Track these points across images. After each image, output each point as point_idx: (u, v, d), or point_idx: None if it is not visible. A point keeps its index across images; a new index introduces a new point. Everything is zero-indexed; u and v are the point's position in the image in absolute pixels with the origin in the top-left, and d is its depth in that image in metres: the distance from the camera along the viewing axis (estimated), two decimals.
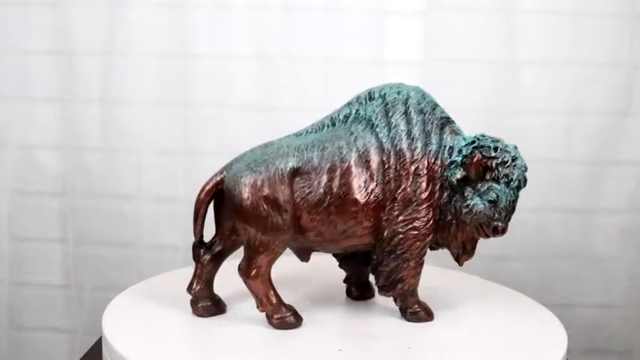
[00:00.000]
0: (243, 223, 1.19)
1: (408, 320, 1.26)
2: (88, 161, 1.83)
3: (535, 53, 1.75)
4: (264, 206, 1.17)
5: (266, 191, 1.17)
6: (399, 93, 1.25)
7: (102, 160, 1.83)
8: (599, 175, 1.78)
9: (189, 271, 1.53)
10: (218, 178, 1.24)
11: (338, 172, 1.19)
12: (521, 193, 1.76)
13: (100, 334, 1.26)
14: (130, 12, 1.76)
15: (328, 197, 1.18)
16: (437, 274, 1.42)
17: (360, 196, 1.18)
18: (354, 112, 1.25)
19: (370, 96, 1.26)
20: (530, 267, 1.82)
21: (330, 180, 1.18)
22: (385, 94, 1.25)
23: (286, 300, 1.23)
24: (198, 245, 1.27)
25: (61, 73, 1.81)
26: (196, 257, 1.26)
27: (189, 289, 1.26)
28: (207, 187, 1.24)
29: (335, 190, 1.18)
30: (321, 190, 1.18)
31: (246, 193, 1.18)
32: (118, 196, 1.84)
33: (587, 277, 1.83)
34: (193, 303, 1.27)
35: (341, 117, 1.26)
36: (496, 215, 1.19)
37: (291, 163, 1.18)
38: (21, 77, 1.82)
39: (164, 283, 1.43)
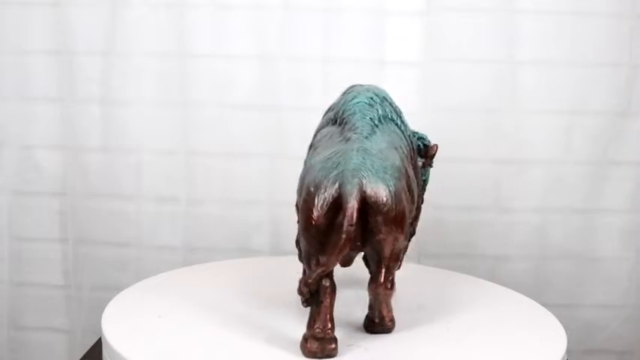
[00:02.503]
0: (399, 234, 1.10)
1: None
2: (88, 161, 1.83)
3: (535, 53, 1.74)
4: (410, 213, 1.15)
5: (408, 197, 1.14)
6: (383, 93, 1.31)
7: (102, 160, 1.83)
8: (599, 175, 1.78)
9: (189, 271, 1.54)
10: (358, 195, 1.07)
11: (412, 170, 1.23)
12: (522, 192, 1.78)
13: (99, 334, 1.26)
14: (130, 12, 1.76)
15: (415, 195, 1.22)
16: (436, 275, 1.42)
17: (418, 189, 1.26)
18: (382, 112, 1.26)
19: (379, 98, 1.28)
20: (530, 267, 1.82)
21: (413, 178, 1.22)
22: (383, 95, 1.29)
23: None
24: (326, 277, 1.09)
25: (61, 73, 1.81)
26: (321, 291, 1.09)
27: (323, 330, 1.08)
28: (355, 208, 1.05)
29: (416, 186, 1.24)
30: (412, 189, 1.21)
31: (403, 202, 1.10)
32: (118, 196, 1.84)
33: (587, 278, 1.82)
34: (321, 344, 1.09)
35: (377, 117, 1.25)
36: (423, 192, 1.36)
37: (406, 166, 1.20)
38: (21, 77, 1.82)
39: (164, 283, 1.43)
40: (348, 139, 1.17)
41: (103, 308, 1.29)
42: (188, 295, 1.36)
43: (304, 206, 1.10)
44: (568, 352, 1.20)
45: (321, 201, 1.08)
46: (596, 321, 1.83)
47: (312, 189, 1.10)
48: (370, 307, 1.19)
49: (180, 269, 1.58)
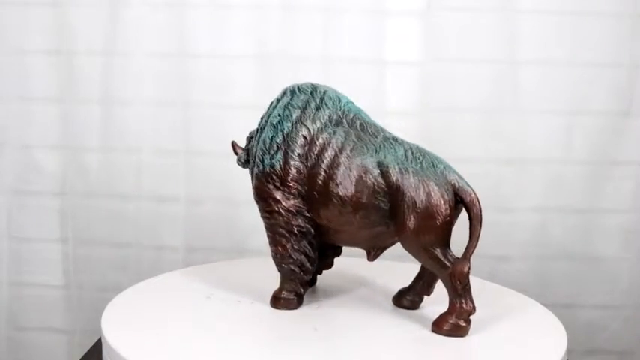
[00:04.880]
0: None
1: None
2: (88, 161, 1.83)
3: (535, 53, 1.74)
4: None
5: None
6: None
7: (102, 160, 1.83)
8: (599, 175, 1.78)
9: (189, 271, 1.54)
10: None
11: None
12: (522, 192, 1.78)
13: (99, 335, 1.26)
14: (130, 12, 1.76)
15: None
16: None
17: None
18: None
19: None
20: (531, 267, 1.82)
21: None
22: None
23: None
24: None
25: (61, 73, 1.81)
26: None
27: (475, 309, 1.20)
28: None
29: None
30: None
31: None
32: (118, 196, 1.84)
33: (588, 278, 1.82)
34: (470, 322, 1.20)
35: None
36: None
37: None
38: (21, 77, 1.82)
39: (164, 283, 1.43)
40: (395, 139, 1.25)
41: (103, 308, 1.29)
42: (188, 296, 1.36)
43: (434, 202, 1.18)
44: (568, 352, 1.20)
45: (449, 196, 1.19)
46: (597, 321, 1.83)
47: (435, 187, 1.18)
48: (429, 285, 1.30)
49: (180, 269, 1.58)
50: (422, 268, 1.30)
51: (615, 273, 1.82)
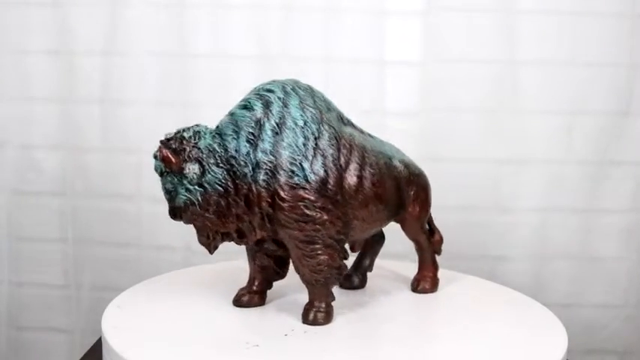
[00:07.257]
0: None
1: None
2: (88, 161, 1.83)
3: (535, 53, 1.75)
4: None
5: None
6: None
7: (102, 160, 1.83)
8: (599, 175, 1.78)
9: (188, 272, 1.54)
10: None
11: None
12: (522, 192, 1.78)
13: (99, 335, 1.26)
14: (130, 12, 1.76)
15: None
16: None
17: None
18: None
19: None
20: (531, 267, 1.82)
21: None
22: None
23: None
24: None
25: (61, 73, 1.81)
26: None
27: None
28: None
29: None
30: None
31: None
32: (118, 196, 1.84)
33: (588, 277, 1.82)
34: None
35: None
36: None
37: None
38: (21, 77, 1.82)
39: (164, 283, 1.43)
40: (380, 140, 1.34)
41: (103, 308, 1.30)
42: (188, 296, 1.36)
43: (429, 187, 1.38)
44: (568, 352, 1.20)
45: None
46: (597, 321, 1.83)
47: (425, 174, 1.38)
48: (372, 263, 1.44)
49: (180, 270, 1.58)
50: (364, 249, 1.42)
51: (615, 273, 1.82)
